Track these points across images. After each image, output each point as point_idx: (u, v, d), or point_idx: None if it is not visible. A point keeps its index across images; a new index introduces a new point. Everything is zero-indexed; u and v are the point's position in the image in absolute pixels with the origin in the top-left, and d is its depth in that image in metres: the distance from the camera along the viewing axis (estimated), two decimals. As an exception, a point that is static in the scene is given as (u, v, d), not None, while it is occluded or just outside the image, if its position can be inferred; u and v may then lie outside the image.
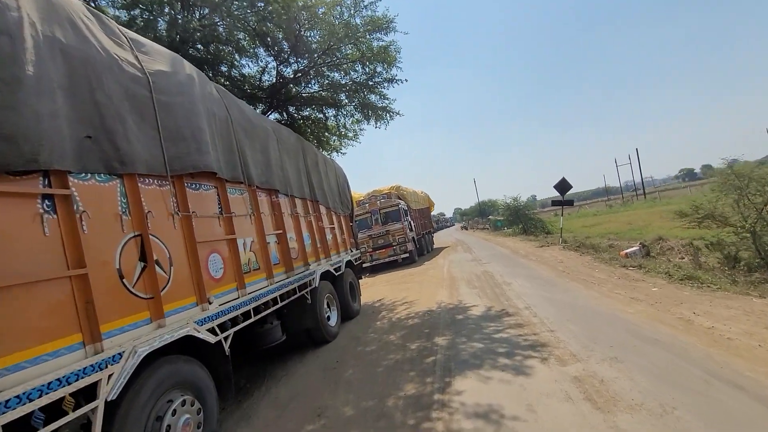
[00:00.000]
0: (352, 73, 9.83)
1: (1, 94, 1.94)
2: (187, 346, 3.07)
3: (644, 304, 5.30)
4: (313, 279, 5.61)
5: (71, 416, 1.98)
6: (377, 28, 8.96)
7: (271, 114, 10.00)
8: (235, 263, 3.84)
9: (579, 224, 22.32)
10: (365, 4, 8.76)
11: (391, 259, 15.55)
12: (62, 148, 2.25)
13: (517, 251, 14.41)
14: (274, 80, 9.74)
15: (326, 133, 11.64)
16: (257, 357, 5.68)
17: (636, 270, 7.64)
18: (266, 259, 4.50)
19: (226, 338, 3.39)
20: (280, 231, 5.02)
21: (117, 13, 7.71)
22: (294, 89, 10.12)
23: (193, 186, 3.49)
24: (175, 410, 2.66)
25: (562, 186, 14.94)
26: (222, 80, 9.15)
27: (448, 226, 75.80)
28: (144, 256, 2.74)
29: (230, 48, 9.22)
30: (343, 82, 9.96)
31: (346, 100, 10.41)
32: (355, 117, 11.05)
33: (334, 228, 7.42)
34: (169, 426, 2.60)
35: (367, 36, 9.08)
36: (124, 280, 2.54)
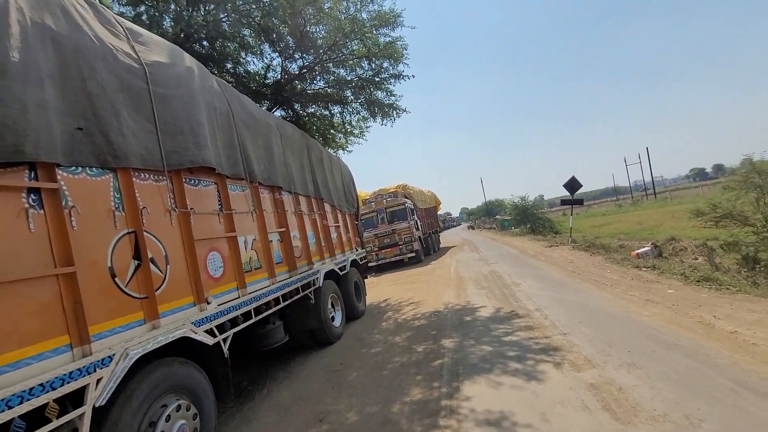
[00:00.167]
0: (358, 69, 9.68)
1: None
2: (184, 347, 2.96)
3: (661, 306, 5.09)
4: (317, 278, 5.47)
5: (54, 424, 1.85)
6: (384, 22, 8.80)
7: (276, 111, 9.90)
8: (235, 262, 3.72)
9: (588, 224, 21.96)
10: (372, -2, 8.62)
11: (397, 258, 15.39)
12: (50, 139, 2.13)
13: (525, 251, 14.17)
14: (279, 76, 9.62)
15: (332, 131, 11.51)
16: (259, 357, 5.56)
17: (650, 271, 7.40)
18: (268, 257, 4.37)
19: (225, 340, 3.27)
20: (283, 229, 4.89)
21: (122, 9, 7.65)
22: (299, 86, 10.00)
23: (192, 182, 3.37)
24: (169, 416, 2.53)
25: (572, 185, 14.65)
26: (227, 77, 9.07)
27: (455, 226, 75.44)
28: (138, 253, 2.62)
29: (235, 45, 9.13)
30: (349, 79, 9.82)
31: (352, 97, 10.26)
32: (361, 114, 10.91)
33: (339, 226, 7.28)
34: (162, 432, 2.48)
35: (374, 31, 8.92)
36: (116, 279, 2.42)
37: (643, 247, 9.59)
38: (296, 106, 10.48)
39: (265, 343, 4.59)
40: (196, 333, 2.90)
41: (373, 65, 9.55)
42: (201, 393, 2.91)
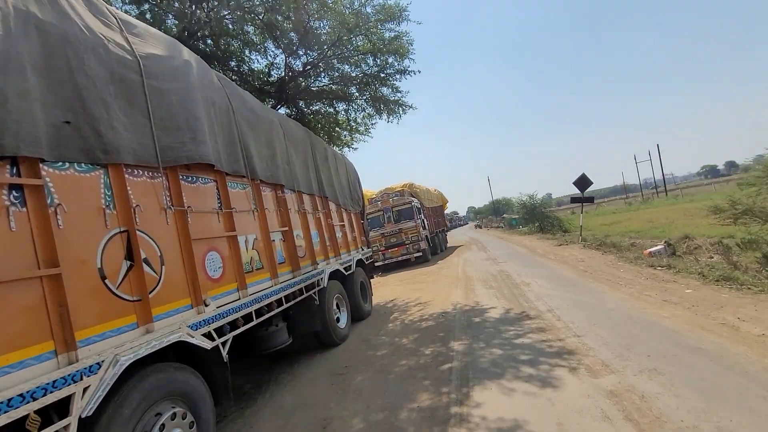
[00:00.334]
0: (363, 65, 9.52)
1: None
2: (181, 352, 2.83)
3: (680, 307, 4.86)
4: (322, 279, 5.33)
5: (35, 437, 1.73)
6: (389, 17, 8.62)
7: (280, 109, 9.78)
8: (235, 262, 3.58)
9: (598, 222, 21.57)
10: (377, -9, 8.46)
11: (404, 258, 15.21)
12: (34, 133, 2.00)
13: (534, 250, 13.91)
14: (283, 74, 9.50)
15: (337, 128, 11.37)
16: (263, 358, 5.43)
17: (665, 270, 7.14)
18: (270, 257, 4.23)
19: (224, 343, 3.13)
20: (286, 228, 4.75)
21: (126, 8, 7.58)
22: (303, 83, 9.87)
23: (189, 179, 3.24)
24: (163, 425, 2.40)
25: (582, 182, 14.33)
26: (231, 76, 8.97)
27: (462, 225, 75.00)
28: (131, 254, 2.49)
29: (239, 42, 9.03)
30: (354, 75, 9.66)
31: (357, 94, 10.11)
32: (367, 111, 10.75)
33: (344, 225, 7.13)
34: (156, 442, 2.35)
35: (379, 26, 8.75)
36: (106, 281, 2.29)
37: (656, 245, 9.29)
38: (300, 103, 10.36)
39: (268, 346, 4.45)
40: (193, 337, 2.76)
41: (378, 61, 9.39)
42: (198, 399, 2.77)
